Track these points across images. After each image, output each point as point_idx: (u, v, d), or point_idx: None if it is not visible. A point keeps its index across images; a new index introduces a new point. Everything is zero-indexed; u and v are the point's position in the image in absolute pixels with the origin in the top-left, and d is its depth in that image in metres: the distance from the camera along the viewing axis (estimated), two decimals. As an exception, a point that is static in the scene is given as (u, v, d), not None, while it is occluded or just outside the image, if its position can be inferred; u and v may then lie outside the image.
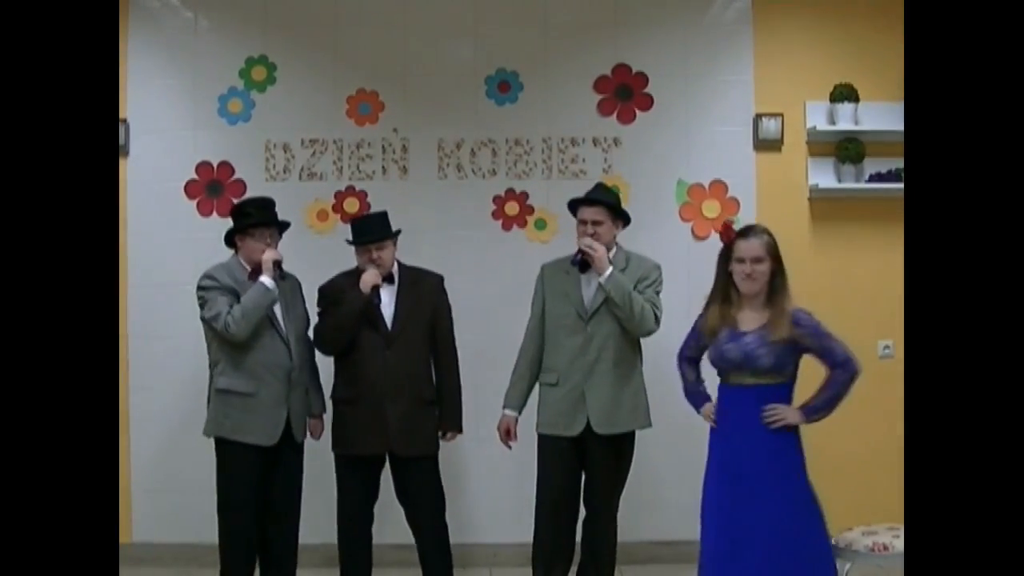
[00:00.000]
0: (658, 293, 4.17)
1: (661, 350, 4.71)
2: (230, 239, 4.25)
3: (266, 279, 4.07)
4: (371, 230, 4.24)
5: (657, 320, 4.12)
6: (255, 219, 4.18)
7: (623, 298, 4.02)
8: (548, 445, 4.13)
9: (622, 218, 4.21)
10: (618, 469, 4.15)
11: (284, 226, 4.31)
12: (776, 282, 3.55)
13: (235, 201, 4.71)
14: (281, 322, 4.17)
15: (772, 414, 3.50)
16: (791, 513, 3.45)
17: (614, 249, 4.17)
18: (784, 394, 3.55)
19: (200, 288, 4.11)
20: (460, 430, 4.29)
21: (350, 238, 4.29)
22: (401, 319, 4.21)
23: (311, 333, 4.33)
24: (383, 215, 4.32)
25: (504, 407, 4.21)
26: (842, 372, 3.53)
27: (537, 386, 4.21)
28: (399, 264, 4.33)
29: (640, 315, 4.05)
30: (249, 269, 4.15)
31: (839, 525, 4.00)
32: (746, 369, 3.52)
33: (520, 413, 4.21)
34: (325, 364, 4.41)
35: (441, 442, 4.28)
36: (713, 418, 3.66)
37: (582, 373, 4.08)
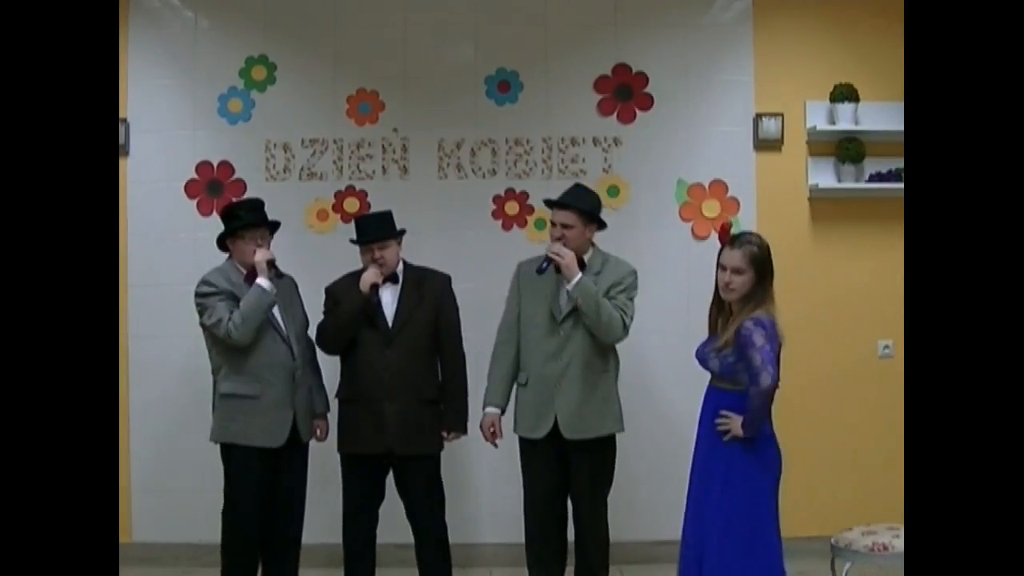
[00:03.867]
0: (631, 299, 4.11)
1: (659, 349, 4.72)
2: (222, 243, 4.23)
3: (262, 281, 4.05)
4: (373, 230, 4.23)
5: (625, 328, 4.06)
6: (244, 220, 4.15)
7: (590, 306, 3.96)
8: (525, 446, 4.15)
9: (595, 221, 4.13)
10: (599, 471, 4.11)
11: (275, 226, 4.27)
12: (753, 292, 3.50)
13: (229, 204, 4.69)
14: (281, 322, 4.15)
15: (723, 423, 3.51)
16: (732, 519, 3.42)
17: (590, 251, 4.12)
18: (741, 403, 3.48)
19: (198, 295, 4.08)
20: (463, 431, 4.28)
21: (354, 237, 4.28)
22: (402, 318, 4.20)
23: (311, 332, 4.33)
24: (387, 215, 4.30)
25: (486, 406, 4.18)
26: (754, 387, 3.40)
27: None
28: (405, 264, 4.32)
29: (608, 323, 3.98)
30: (244, 271, 4.13)
31: (839, 525, 4.01)
32: (713, 373, 3.61)
33: (503, 411, 4.20)
34: (331, 363, 4.41)
35: (445, 442, 4.28)
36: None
37: (554, 376, 4.05)
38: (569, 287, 3.97)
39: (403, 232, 4.30)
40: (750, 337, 3.43)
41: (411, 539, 4.30)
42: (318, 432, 4.33)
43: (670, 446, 4.97)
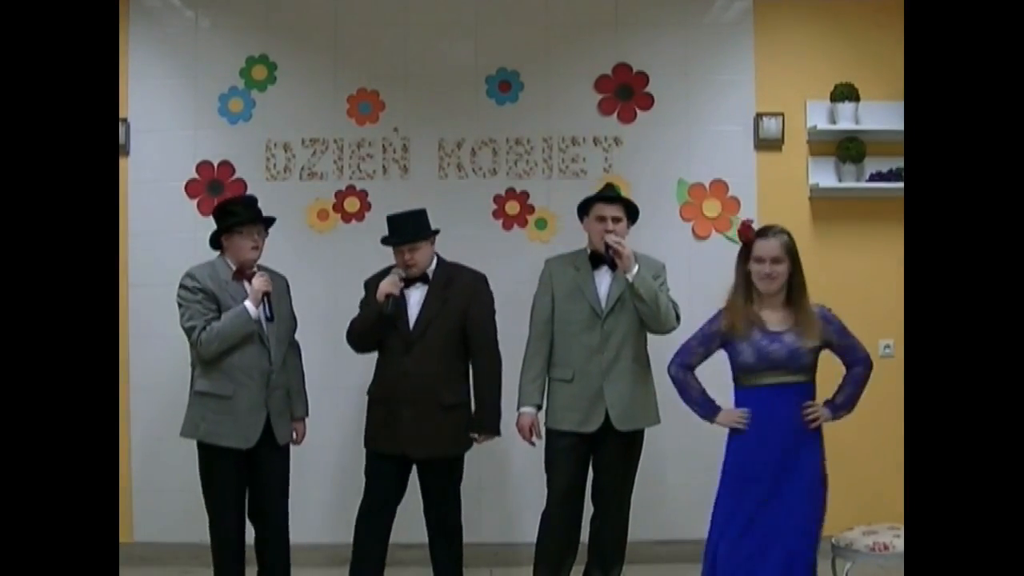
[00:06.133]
0: (669, 290, 4.19)
1: (669, 349, 4.70)
2: (215, 241, 4.15)
3: (250, 305, 4.00)
4: (404, 230, 4.13)
5: (678, 317, 4.14)
6: (242, 217, 4.07)
7: (651, 296, 4.02)
8: (560, 440, 4.11)
9: (633, 218, 4.22)
10: (630, 466, 4.17)
11: (269, 222, 4.20)
12: (795, 281, 3.56)
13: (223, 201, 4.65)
14: (264, 327, 4.06)
15: (813, 412, 3.53)
16: (814, 507, 3.52)
17: None
18: (814, 391, 3.59)
19: (180, 287, 4.04)
20: (496, 433, 4.17)
21: (384, 235, 4.21)
22: (424, 322, 4.10)
23: (299, 336, 4.28)
24: (420, 213, 4.19)
25: (524, 405, 4.14)
26: (863, 368, 3.61)
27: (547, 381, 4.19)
28: (439, 261, 4.23)
29: (666, 312, 4.07)
30: (234, 268, 4.08)
31: (840, 525, 4.00)
32: (788, 368, 3.52)
33: (540, 410, 4.17)
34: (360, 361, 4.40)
35: (476, 444, 4.20)
36: (745, 422, 3.56)
37: (600, 370, 4.06)
38: (630, 278, 4.01)
39: (436, 231, 4.23)
40: (843, 325, 3.60)
41: (413, 539, 4.29)
42: (294, 435, 4.25)
43: (674, 446, 4.97)
